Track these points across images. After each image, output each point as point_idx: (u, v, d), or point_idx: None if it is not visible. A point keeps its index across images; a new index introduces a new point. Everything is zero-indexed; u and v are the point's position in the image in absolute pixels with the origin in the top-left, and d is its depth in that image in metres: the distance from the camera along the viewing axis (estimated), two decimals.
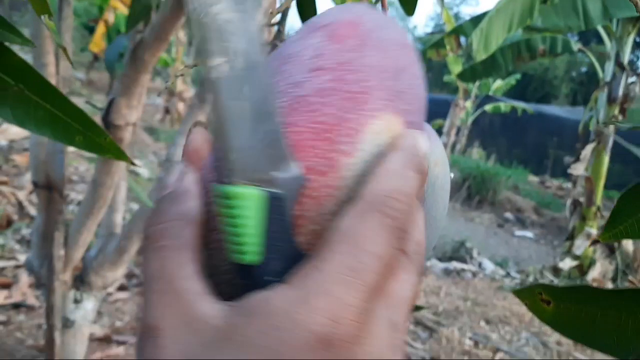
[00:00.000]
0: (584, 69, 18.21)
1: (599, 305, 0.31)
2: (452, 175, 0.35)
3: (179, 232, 0.25)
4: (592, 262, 3.81)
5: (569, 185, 7.49)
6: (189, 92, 6.90)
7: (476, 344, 2.57)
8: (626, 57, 3.87)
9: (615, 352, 0.31)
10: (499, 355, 2.51)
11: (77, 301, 1.70)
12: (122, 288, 2.41)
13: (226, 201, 0.24)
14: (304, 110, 0.26)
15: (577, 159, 3.79)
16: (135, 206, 3.01)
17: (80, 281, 1.69)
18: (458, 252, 4.27)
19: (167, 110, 7.05)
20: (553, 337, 2.78)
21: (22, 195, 2.87)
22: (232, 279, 0.25)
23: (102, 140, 0.48)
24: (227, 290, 0.24)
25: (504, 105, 9.29)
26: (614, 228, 0.38)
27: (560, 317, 0.34)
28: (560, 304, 0.33)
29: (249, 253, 0.24)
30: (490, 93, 9.65)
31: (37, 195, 1.52)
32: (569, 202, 4.11)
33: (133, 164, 0.50)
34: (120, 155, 0.49)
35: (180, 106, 6.89)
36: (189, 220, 0.25)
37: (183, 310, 0.23)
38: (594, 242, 0.38)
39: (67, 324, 1.67)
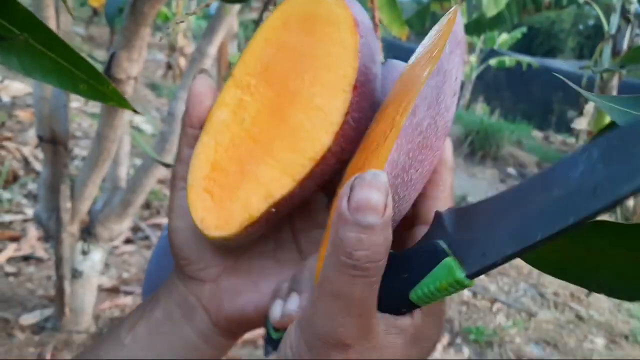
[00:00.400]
0: (590, 22, 17.88)
1: (604, 244, 0.31)
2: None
3: (381, 268, 0.27)
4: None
5: (572, 140, 7.46)
6: (190, 47, 6.83)
7: (474, 294, 2.63)
8: (632, 9, 3.81)
9: (621, 294, 0.32)
10: (497, 305, 2.57)
11: (84, 253, 1.74)
12: (128, 241, 2.46)
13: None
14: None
15: (581, 114, 3.77)
16: (138, 161, 3.03)
17: (88, 233, 1.74)
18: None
19: (168, 66, 7.00)
20: (550, 288, 2.84)
21: (27, 150, 2.90)
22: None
23: (105, 88, 0.50)
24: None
25: (509, 60, 9.17)
26: None
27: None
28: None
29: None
30: (495, 47, 9.51)
31: (43, 149, 1.54)
32: None
33: (136, 111, 0.52)
34: (123, 103, 0.51)
35: (182, 61, 6.83)
36: (386, 254, 0.27)
37: (370, 335, 0.28)
38: None
39: (76, 274, 1.72)
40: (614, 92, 3.87)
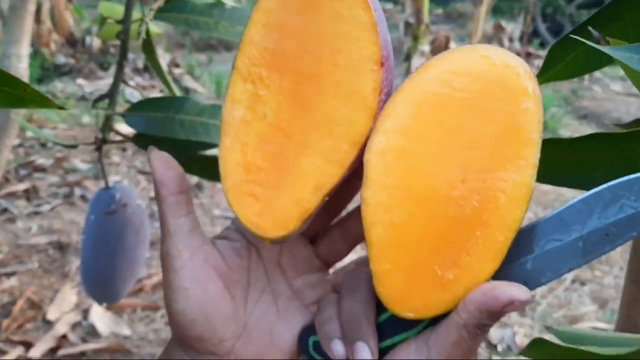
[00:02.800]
0: None
1: (561, 152, 0.37)
2: None
3: None
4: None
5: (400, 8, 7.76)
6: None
7: None
8: None
9: (579, 185, 0.37)
10: None
11: None
12: None
13: None
14: None
15: None
16: None
17: None
18: None
19: None
20: None
21: None
22: None
23: (21, 92, 0.44)
24: None
25: None
26: (546, 72, 0.43)
27: None
28: None
29: None
30: None
31: None
32: (401, 24, 4.31)
33: (62, 108, 0.46)
34: (48, 104, 0.45)
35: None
36: None
37: None
38: None
39: None
40: None
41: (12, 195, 2.40)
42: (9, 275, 1.91)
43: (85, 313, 1.70)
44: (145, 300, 1.80)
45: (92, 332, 1.64)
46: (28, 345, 1.57)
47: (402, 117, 0.31)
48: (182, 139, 0.60)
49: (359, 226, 0.35)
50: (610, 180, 0.32)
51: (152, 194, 2.39)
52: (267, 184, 0.32)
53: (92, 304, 1.72)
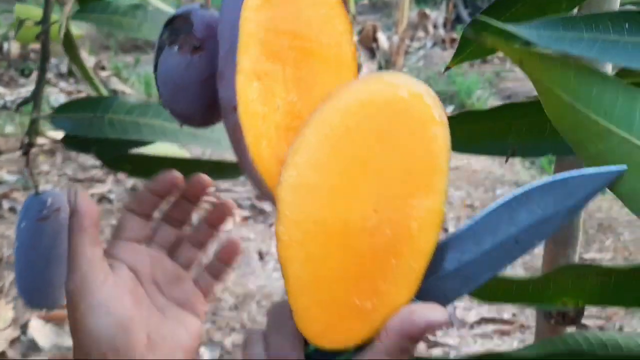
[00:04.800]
0: None
1: (478, 123, 0.40)
2: None
3: None
4: (359, 67, 4.19)
5: None
6: None
7: None
8: None
9: (495, 151, 0.41)
10: None
11: None
12: None
13: None
14: None
15: None
16: None
17: None
18: None
19: None
20: None
21: None
22: None
23: None
24: None
25: None
26: (460, 55, 0.46)
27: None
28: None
29: None
30: None
31: None
32: None
33: None
34: None
35: None
36: None
37: None
38: (447, 68, 0.46)
39: None
40: None
41: None
42: None
43: (24, 328, 1.64)
44: None
45: (32, 347, 1.59)
46: None
47: (312, 150, 0.31)
48: (111, 138, 0.59)
49: (205, 232, 0.47)
50: (522, 145, 0.35)
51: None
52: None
53: (30, 317, 1.66)
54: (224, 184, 2.58)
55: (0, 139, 3.01)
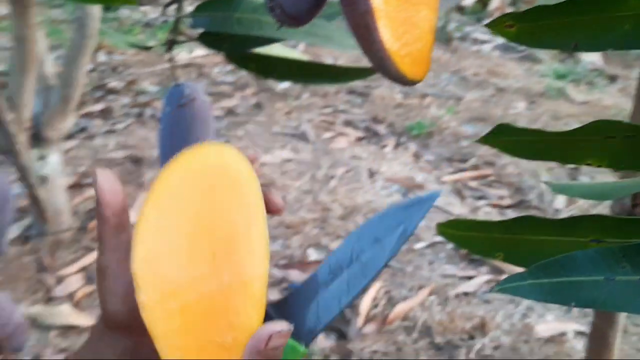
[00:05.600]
0: None
1: (544, 18, 0.44)
2: None
3: None
4: None
5: None
6: None
7: (406, 95, 2.82)
8: None
9: (559, 45, 0.45)
10: (427, 99, 2.79)
11: (42, 158, 1.75)
12: (68, 137, 2.44)
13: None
14: None
15: None
16: (57, 53, 2.87)
17: (37, 139, 1.73)
18: None
19: None
20: (470, 70, 3.07)
21: None
22: None
23: None
24: None
25: None
26: None
27: (522, 32, 0.46)
28: (521, 24, 0.46)
29: None
30: None
31: None
32: None
33: (142, 4, 0.56)
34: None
35: None
36: None
37: None
38: None
39: (41, 180, 1.75)
40: None
41: (89, 116, 2.60)
42: (91, 185, 2.12)
43: None
44: None
45: None
46: None
47: (152, 221, 0.35)
48: (239, 34, 0.69)
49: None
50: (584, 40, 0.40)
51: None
52: None
53: None
54: (344, 105, 2.67)
55: (143, 54, 3.30)
